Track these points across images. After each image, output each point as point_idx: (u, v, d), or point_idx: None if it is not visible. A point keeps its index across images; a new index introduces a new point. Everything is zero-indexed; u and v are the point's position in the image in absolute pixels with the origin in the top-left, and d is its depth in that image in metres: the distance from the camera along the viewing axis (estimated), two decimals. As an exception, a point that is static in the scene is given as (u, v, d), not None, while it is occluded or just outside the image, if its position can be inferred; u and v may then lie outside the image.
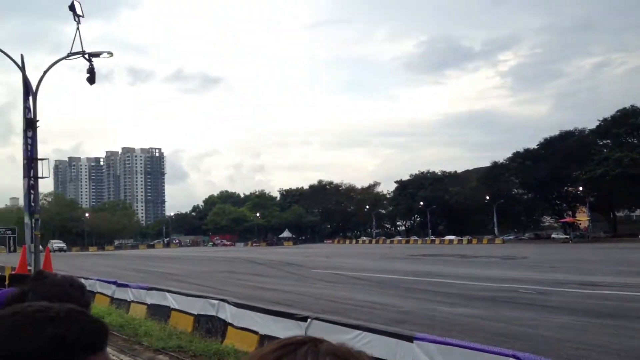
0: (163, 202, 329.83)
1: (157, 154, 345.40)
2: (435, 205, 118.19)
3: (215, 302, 12.80)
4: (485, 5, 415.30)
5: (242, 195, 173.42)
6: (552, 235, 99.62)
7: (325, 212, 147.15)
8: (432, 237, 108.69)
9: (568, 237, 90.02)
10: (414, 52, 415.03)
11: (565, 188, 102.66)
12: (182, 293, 15.06)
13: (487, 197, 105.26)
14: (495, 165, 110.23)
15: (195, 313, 13.37)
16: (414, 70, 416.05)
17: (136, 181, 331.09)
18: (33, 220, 20.22)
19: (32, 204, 20.28)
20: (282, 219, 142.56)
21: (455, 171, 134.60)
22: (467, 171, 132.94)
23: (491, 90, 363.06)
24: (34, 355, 1.00)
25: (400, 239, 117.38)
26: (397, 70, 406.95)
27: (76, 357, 1.05)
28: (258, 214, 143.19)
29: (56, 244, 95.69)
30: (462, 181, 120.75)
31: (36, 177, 20.27)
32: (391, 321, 13.90)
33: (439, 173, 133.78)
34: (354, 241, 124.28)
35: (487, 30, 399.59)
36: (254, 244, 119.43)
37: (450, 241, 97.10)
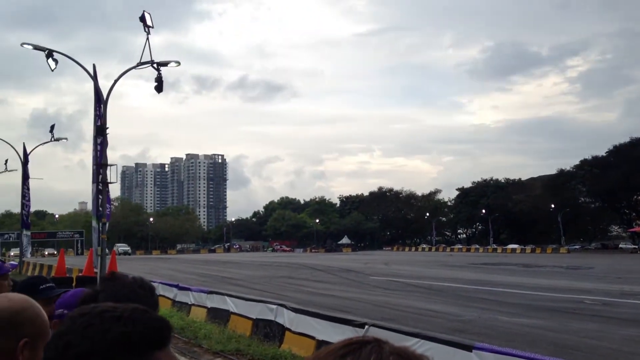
0: (224, 207, 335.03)
1: (220, 160, 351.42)
2: (498, 213, 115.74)
3: (274, 306, 12.94)
4: (554, 10, 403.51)
5: (302, 202, 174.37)
6: (620, 245, 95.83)
7: (385, 219, 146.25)
8: (494, 246, 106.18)
9: (636, 247, 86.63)
10: (478, 58, 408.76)
11: (635, 197, 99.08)
12: (242, 297, 15.29)
13: (552, 206, 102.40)
14: (562, 173, 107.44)
15: (254, 317, 13.54)
16: (478, 77, 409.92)
17: (199, 187, 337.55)
18: (100, 224, 20.91)
19: (100, 208, 20.98)
20: (341, 225, 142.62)
21: (520, 179, 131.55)
22: (532, 179, 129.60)
23: (559, 97, 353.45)
24: (104, 354, 1.06)
25: (461, 247, 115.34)
26: (461, 77, 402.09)
27: (142, 354, 1.10)
28: (317, 220, 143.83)
29: (121, 247, 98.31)
30: (526, 189, 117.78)
31: (105, 182, 20.98)
32: (450, 330, 13.77)
33: (503, 181, 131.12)
34: (413, 249, 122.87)
35: (555, 35, 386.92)
36: (313, 250, 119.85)
37: (513, 250, 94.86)
